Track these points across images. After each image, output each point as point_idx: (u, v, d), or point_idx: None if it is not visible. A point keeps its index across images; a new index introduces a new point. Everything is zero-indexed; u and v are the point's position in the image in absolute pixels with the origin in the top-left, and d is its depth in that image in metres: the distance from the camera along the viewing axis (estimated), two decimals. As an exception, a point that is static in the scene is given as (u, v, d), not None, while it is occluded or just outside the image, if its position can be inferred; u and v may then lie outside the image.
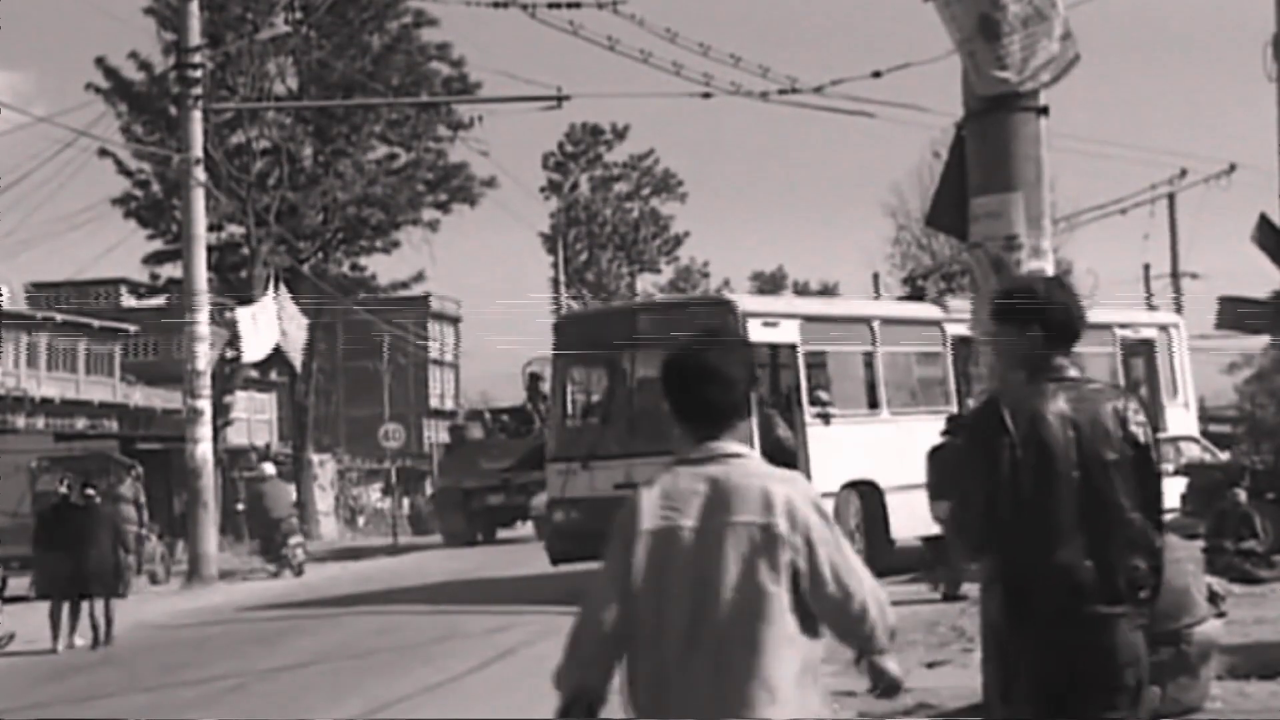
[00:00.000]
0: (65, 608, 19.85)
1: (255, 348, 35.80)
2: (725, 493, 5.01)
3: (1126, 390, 6.39)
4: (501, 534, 39.59)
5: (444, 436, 54.51)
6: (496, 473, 37.26)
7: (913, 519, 22.91)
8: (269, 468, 35.89)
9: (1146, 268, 57.41)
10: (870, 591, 4.96)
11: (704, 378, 5.23)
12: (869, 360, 23.38)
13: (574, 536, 22.11)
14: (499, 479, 37.33)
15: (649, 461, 21.31)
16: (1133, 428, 5.87)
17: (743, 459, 5.12)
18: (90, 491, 21.34)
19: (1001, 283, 6.26)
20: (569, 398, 23.33)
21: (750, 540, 4.89)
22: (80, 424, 59.39)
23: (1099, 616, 5.81)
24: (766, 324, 21.69)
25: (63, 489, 22.03)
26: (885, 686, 5.13)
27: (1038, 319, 6.00)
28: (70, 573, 19.80)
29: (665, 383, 5.35)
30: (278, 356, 40.19)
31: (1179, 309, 48.92)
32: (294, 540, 31.43)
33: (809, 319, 22.87)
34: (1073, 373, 5.98)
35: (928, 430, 23.42)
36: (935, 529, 23.65)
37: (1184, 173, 43.59)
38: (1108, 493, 5.80)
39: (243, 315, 35.83)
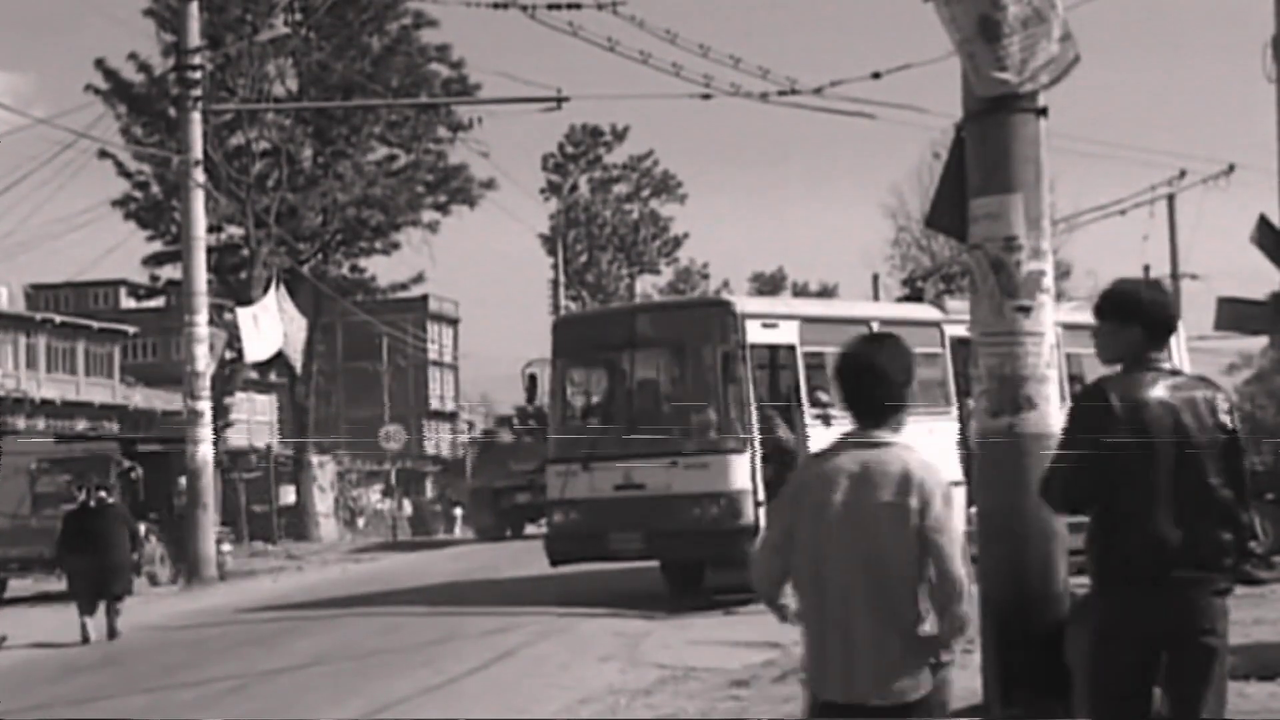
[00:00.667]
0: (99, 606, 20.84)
1: (256, 349, 35.81)
2: (873, 473, 5.96)
3: (1213, 383, 6.79)
4: (529, 529, 40.71)
5: (444, 438, 54.85)
6: (523, 473, 39.87)
7: (912, 520, 22.93)
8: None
9: (1146, 269, 57.35)
10: (957, 583, 5.83)
11: (869, 376, 6.25)
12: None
13: (574, 537, 22.12)
14: (526, 479, 39.51)
15: (648, 462, 21.38)
16: (1221, 416, 6.54)
17: (892, 446, 6.05)
18: (103, 494, 21.98)
19: (1109, 285, 6.89)
20: (568, 399, 23.31)
21: (888, 515, 5.87)
22: (80, 425, 59.43)
23: (1185, 580, 6.41)
24: (765, 325, 21.67)
25: (81, 495, 22.55)
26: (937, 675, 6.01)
27: (1137, 317, 6.69)
28: (96, 573, 20.83)
29: (837, 375, 6.38)
30: (278, 358, 40.22)
31: (1178, 309, 48.92)
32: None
33: (808, 320, 22.85)
34: (1167, 365, 6.71)
35: (927, 431, 23.43)
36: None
37: (1183, 173, 43.57)
38: (1200, 471, 6.43)
39: (243, 317, 35.83)
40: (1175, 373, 6.74)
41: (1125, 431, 6.38)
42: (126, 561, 21.59)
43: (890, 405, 6.17)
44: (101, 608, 20.71)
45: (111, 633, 20.58)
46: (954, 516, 5.90)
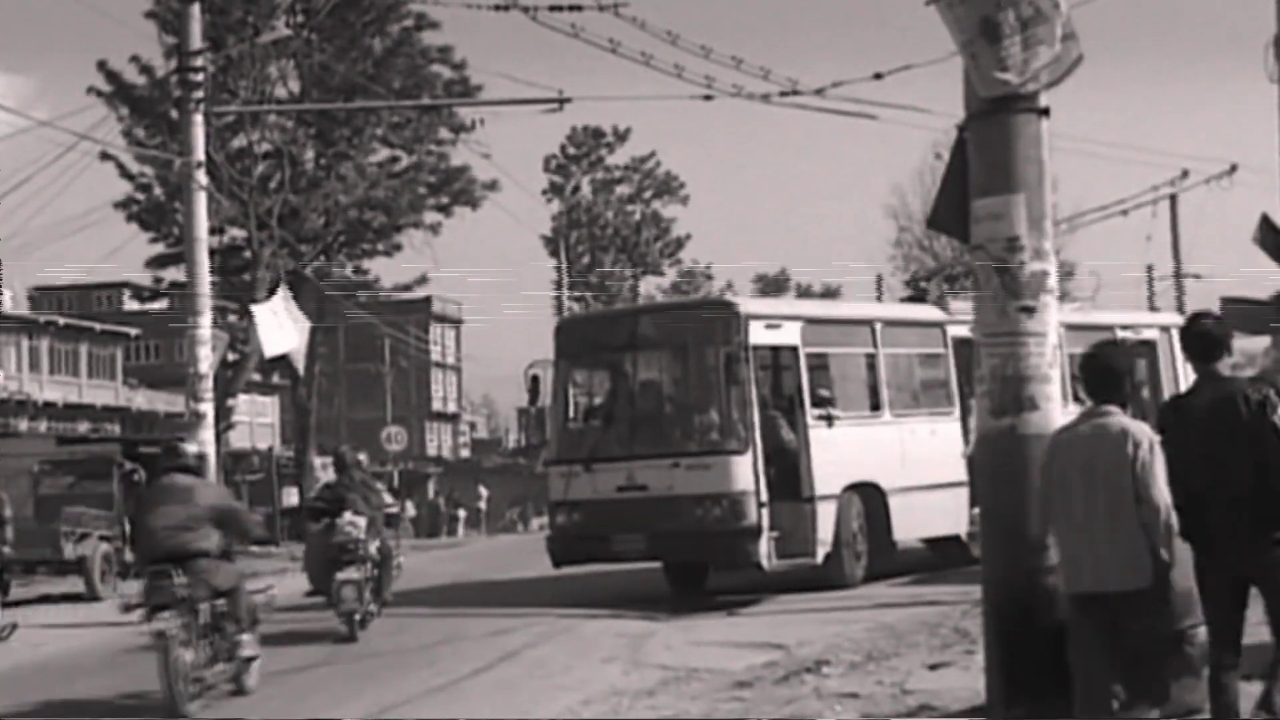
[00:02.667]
0: None
1: (275, 344, 35.72)
2: (1104, 431, 8.92)
3: (1255, 381, 9.21)
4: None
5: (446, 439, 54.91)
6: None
7: (915, 521, 22.91)
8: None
9: (1149, 268, 57.46)
10: (1157, 503, 8.67)
11: (1104, 369, 9.21)
12: (871, 362, 23.34)
13: (577, 539, 22.11)
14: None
15: (651, 463, 21.38)
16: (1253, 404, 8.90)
17: (1115, 415, 8.95)
18: None
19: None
20: (571, 400, 23.29)
21: (1115, 458, 8.79)
22: (83, 427, 59.44)
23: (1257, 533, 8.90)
24: (769, 326, 21.66)
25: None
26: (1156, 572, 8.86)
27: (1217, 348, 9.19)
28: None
29: (1083, 367, 9.32)
30: (280, 359, 40.19)
31: (1181, 310, 48.90)
32: None
33: (811, 321, 22.84)
34: (1226, 372, 9.10)
35: (930, 432, 23.43)
36: (937, 531, 23.68)
37: (1186, 173, 43.53)
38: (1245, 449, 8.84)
39: (260, 313, 35.75)
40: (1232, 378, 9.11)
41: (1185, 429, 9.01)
42: None
43: (1113, 390, 9.08)
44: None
45: None
46: (1156, 460, 8.70)
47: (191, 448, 15.56)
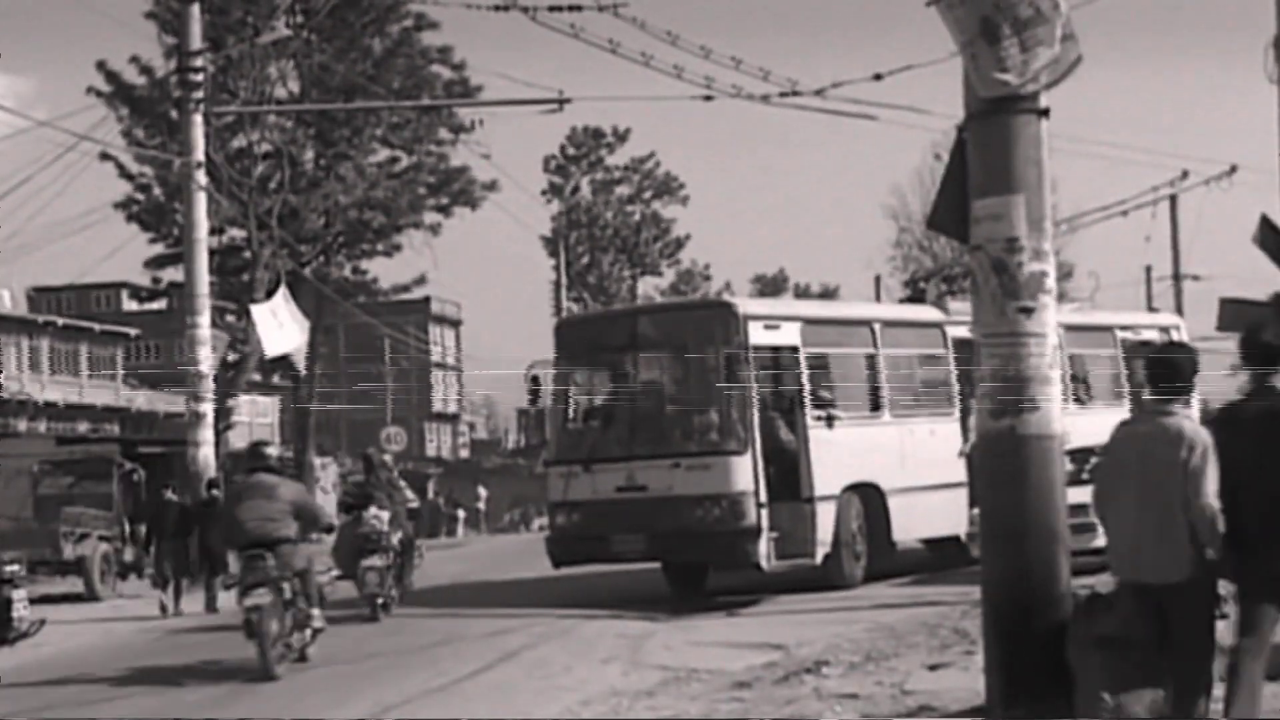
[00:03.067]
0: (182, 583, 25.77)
1: (275, 345, 35.71)
2: (1162, 430, 9.13)
3: None
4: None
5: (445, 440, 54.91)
6: None
7: (914, 521, 22.92)
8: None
9: (1148, 269, 57.44)
10: (1205, 508, 8.88)
11: (1167, 369, 9.42)
12: (870, 363, 23.35)
13: (576, 539, 22.12)
14: None
15: (651, 464, 21.38)
16: None
17: (1176, 415, 9.19)
18: (215, 491, 26.21)
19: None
20: (570, 400, 23.27)
21: (1168, 457, 9.00)
22: (82, 428, 59.39)
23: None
24: (767, 327, 21.66)
25: (171, 495, 26.95)
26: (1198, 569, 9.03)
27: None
28: (190, 556, 25.76)
29: (1147, 366, 9.68)
30: (280, 359, 40.17)
31: (1180, 310, 48.91)
32: None
33: (810, 322, 22.83)
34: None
35: (929, 433, 23.43)
36: (936, 531, 23.67)
37: (1185, 174, 43.48)
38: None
39: (260, 313, 35.72)
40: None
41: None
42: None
43: (1176, 389, 9.31)
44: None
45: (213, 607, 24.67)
46: (1209, 465, 8.92)
47: (272, 450, 17.86)
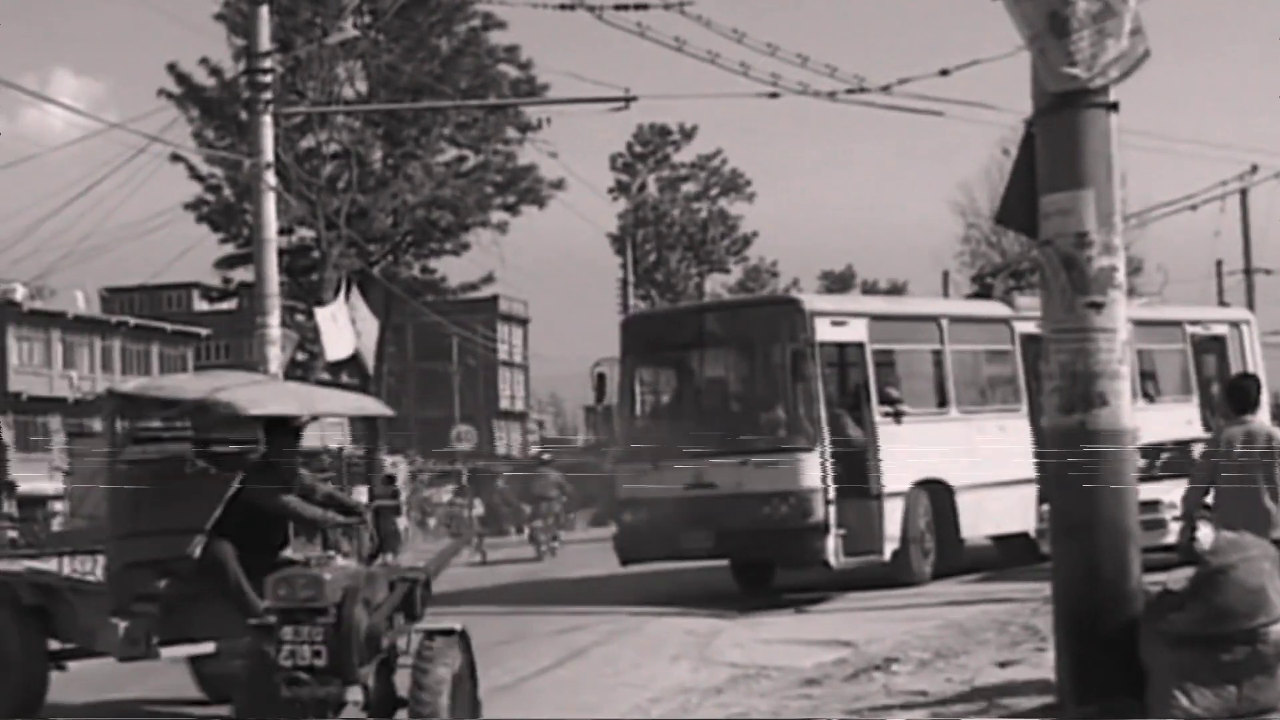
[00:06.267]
0: None
1: (337, 348, 35.91)
2: (1252, 434, 11.99)
3: None
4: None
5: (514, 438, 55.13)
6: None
7: (982, 518, 22.78)
8: None
9: (1219, 264, 56.98)
10: None
11: (1241, 390, 12.68)
12: (937, 358, 23.22)
13: (644, 537, 22.02)
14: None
15: (718, 461, 21.29)
16: None
17: (1258, 420, 12.42)
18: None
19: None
20: (637, 398, 23.21)
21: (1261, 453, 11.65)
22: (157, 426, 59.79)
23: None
24: (835, 323, 21.56)
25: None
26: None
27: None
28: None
29: (1229, 388, 13.39)
30: (351, 359, 40.36)
31: (1250, 305, 48.51)
32: None
33: (876, 318, 22.71)
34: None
35: (998, 428, 23.29)
36: (1005, 528, 23.50)
37: (1255, 168, 43.07)
38: None
39: (322, 316, 35.95)
40: None
41: None
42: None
43: (1254, 403, 12.59)
44: None
45: None
46: None
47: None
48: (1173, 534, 21.02)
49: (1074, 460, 10.35)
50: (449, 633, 11.30)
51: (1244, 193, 49.37)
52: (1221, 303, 49.80)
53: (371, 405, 15.78)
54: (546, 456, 47.54)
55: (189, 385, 14.89)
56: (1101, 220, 10.30)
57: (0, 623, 14.05)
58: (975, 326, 24.30)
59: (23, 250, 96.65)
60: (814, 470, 20.52)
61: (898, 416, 21.76)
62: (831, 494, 20.53)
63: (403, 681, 11.01)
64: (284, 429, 13.51)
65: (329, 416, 14.90)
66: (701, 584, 22.84)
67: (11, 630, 13.90)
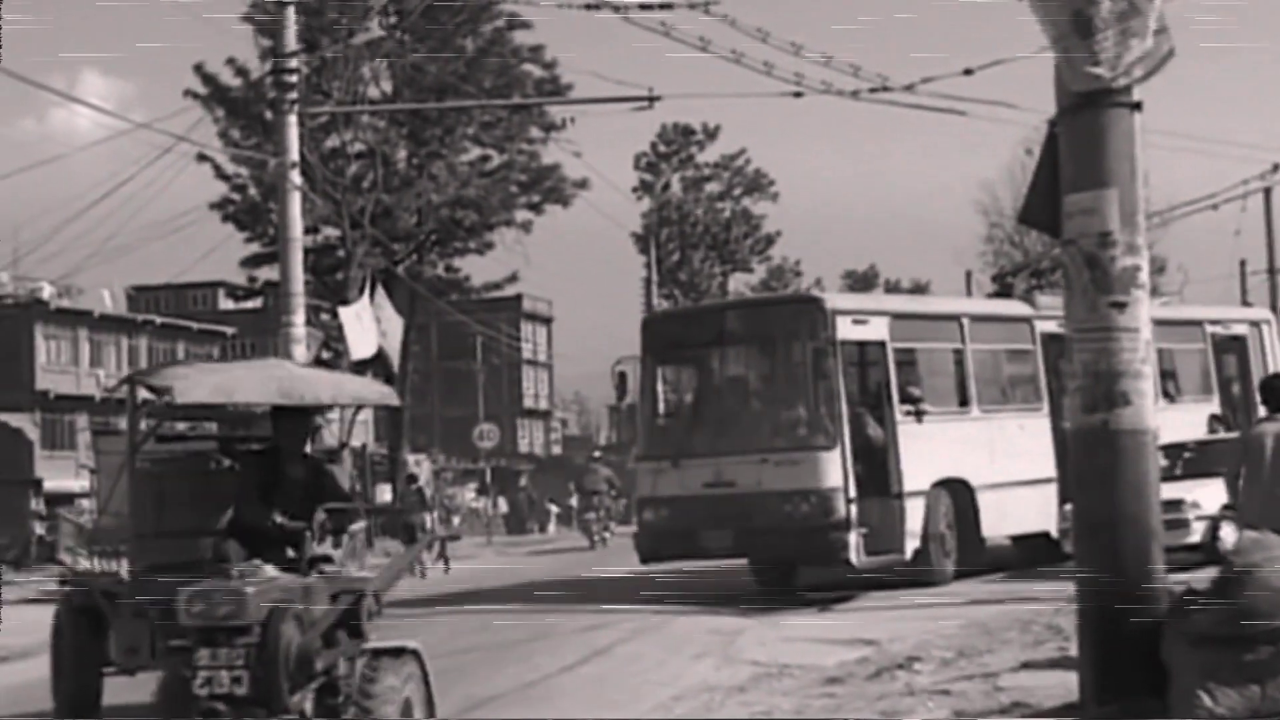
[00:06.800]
0: None
1: (360, 347, 35.97)
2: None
3: None
4: None
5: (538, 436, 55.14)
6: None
7: (1003, 517, 22.72)
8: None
9: (1243, 263, 56.75)
10: None
11: (1274, 385, 13.59)
12: (958, 357, 23.15)
13: (664, 535, 21.97)
14: None
15: (739, 459, 21.24)
16: None
17: None
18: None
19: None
20: (658, 396, 23.15)
21: None
22: (181, 425, 59.92)
23: None
24: (856, 321, 21.50)
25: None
26: None
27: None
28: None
29: (1264, 387, 13.84)
30: (376, 358, 40.40)
31: (1274, 305, 48.34)
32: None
33: (897, 316, 22.66)
34: None
35: (1019, 428, 23.23)
36: (1025, 527, 23.43)
37: (1277, 167, 42.85)
38: None
39: (346, 315, 36.02)
40: None
41: None
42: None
43: None
44: None
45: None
46: None
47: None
48: (1196, 534, 21.04)
49: (1097, 459, 10.31)
50: (399, 652, 10.11)
51: (1268, 192, 49.17)
52: (1245, 302, 49.63)
53: (373, 392, 14.20)
54: (597, 454, 51.02)
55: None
56: (1125, 220, 10.25)
57: (56, 624, 14.12)
58: (996, 325, 24.23)
59: (51, 249, 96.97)
60: (835, 469, 20.47)
61: (919, 415, 21.71)
62: (853, 492, 20.48)
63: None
64: (290, 420, 12.18)
65: (320, 404, 12.95)
66: (724, 582, 22.82)
67: (67, 633, 13.90)
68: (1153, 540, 10.23)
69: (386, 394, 14.01)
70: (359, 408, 13.75)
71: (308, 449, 12.83)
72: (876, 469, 21.14)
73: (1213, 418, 25.43)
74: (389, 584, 11.07)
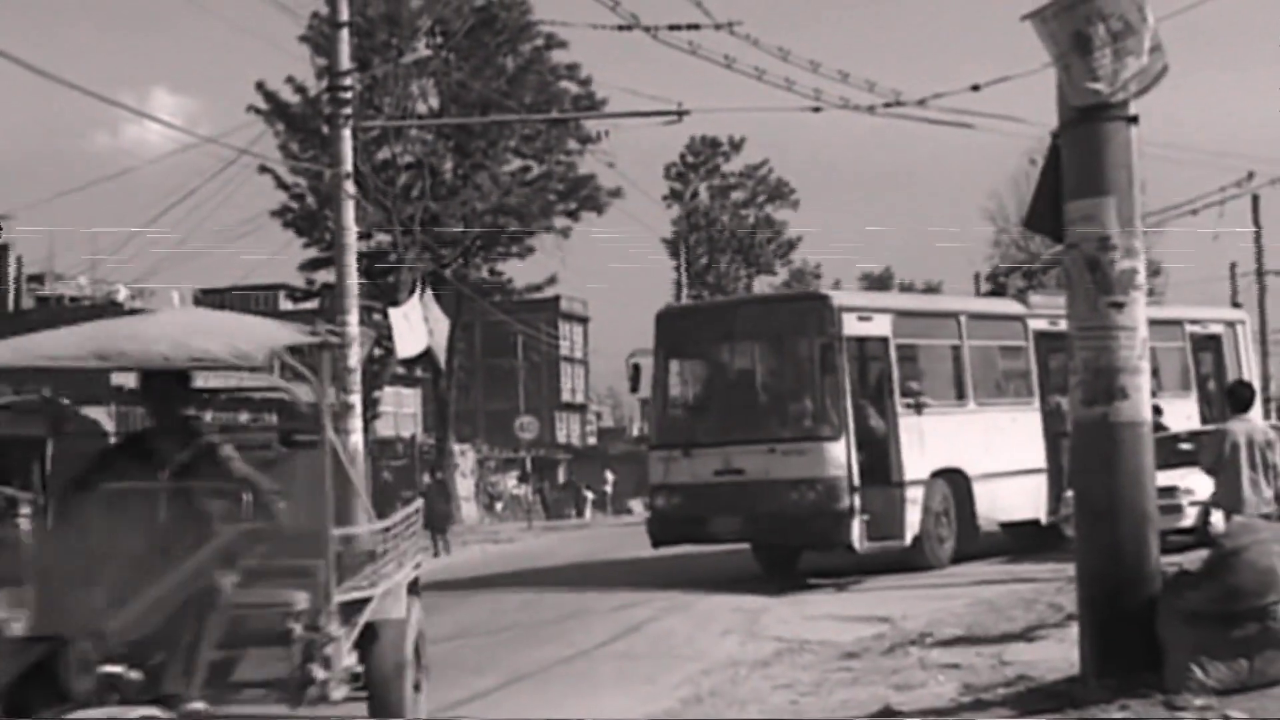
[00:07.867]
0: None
1: (408, 345, 36.04)
2: (1250, 429, 14.09)
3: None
4: None
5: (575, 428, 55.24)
6: None
7: (996, 505, 22.63)
8: None
9: (1233, 266, 56.60)
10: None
11: (1239, 391, 14.99)
12: (956, 353, 23.08)
13: (675, 521, 21.90)
14: None
15: (748, 448, 21.17)
16: None
17: (1253, 417, 14.83)
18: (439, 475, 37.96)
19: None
20: (670, 387, 22.99)
21: (1259, 444, 13.94)
22: (243, 417, 60.11)
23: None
24: (860, 318, 21.44)
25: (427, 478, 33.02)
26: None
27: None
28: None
29: (1229, 395, 15.28)
30: (424, 355, 40.47)
31: (1262, 305, 48.18)
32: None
33: (900, 314, 22.57)
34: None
35: (1011, 421, 23.16)
36: (1017, 515, 23.31)
37: (1251, 175, 42.50)
38: None
39: (395, 316, 36.10)
40: None
41: None
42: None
43: (1248, 404, 14.61)
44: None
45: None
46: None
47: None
48: (1189, 518, 20.98)
49: (1097, 449, 10.32)
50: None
51: (1256, 197, 48.93)
52: (1235, 304, 49.45)
53: (226, 349, 9.50)
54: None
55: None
56: (1123, 225, 10.26)
57: None
58: (992, 323, 24.13)
59: (124, 255, 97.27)
60: (840, 458, 20.39)
61: (919, 408, 21.65)
62: (856, 481, 20.41)
63: None
64: (162, 384, 9.70)
65: (172, 368, 9.56)
66: (746, 566, 22.80)
67: None
68: (1149, 525, 10.23)
69: (245, 354, 9.48)
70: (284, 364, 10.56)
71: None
72: (878, 459, 21.06)
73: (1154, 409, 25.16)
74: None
